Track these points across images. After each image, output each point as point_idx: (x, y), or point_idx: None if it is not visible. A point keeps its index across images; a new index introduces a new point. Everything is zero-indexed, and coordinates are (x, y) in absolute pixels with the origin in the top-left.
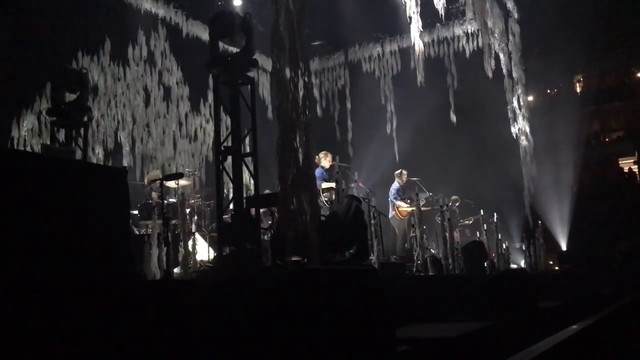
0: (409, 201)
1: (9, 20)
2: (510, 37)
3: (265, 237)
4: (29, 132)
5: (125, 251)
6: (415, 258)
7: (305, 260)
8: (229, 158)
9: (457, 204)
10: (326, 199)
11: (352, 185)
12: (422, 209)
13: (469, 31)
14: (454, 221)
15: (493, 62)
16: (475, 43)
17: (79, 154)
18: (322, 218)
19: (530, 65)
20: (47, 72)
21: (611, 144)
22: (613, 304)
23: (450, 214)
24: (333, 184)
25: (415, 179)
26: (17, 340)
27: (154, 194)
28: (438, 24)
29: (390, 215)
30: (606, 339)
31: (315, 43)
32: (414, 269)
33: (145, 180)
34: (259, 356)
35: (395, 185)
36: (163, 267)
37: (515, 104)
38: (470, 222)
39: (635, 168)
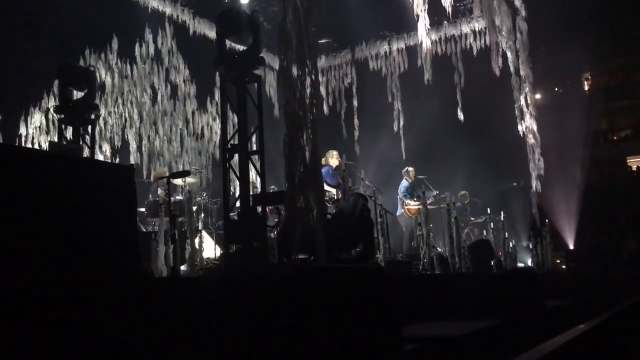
0: (415, 199)
1: (16, 18)
2: (518, 35)
3: (272, 234)
4: (36, 129)
5: (132, 248)
6: (421, 256)
7: (312, 258)
8: (236, 156)
9: (467, 201)
10: (327, 197)
11: (360, 184)
12: (429, 207)
13: (477, 29)
14: (466, 219)
15: (500, 60)
16: (482, 41)
17: (86, 152)
18: (329, 216)
19: (538, 63)
20: (55, 70)
21: (619, 142)
22: (621, 303)
23: (462, 211)
24: (333, 190)
25: (422, 177)
26: (24, 337)
27: (161, 192)
28: (445, 22)
29: (398, 213)
30: (614, 338)
31: (322, 41)
32: (420, 268)
33: (152, 178)
34: (265, 354)
35: (405, 183)
36: (170, 264)
37: (522, 102)
38: (482, 220)
39: None
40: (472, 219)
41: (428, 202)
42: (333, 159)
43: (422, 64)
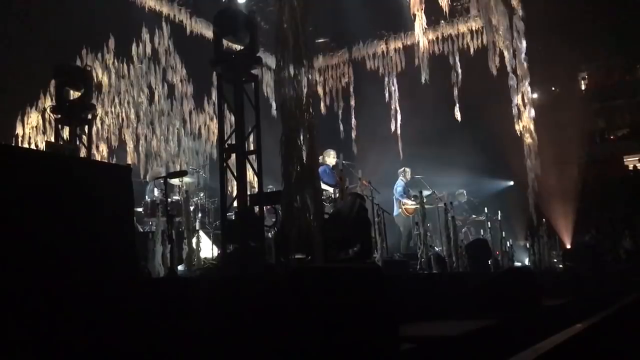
0: (412, 199)
1: (14, 18)
2: (515, 35)
3: (269, 234)
4: (33, 129)
5: (129, 249)
6: (419, 256)
7: (309, 258)
8: (233, 156)
9: (464, 200)
10: (325, 197)
11: (357, 183)
12: (426, 206)
13: (474, 28)
14: (463, 217)
15: (497, 60)
16: (479, 40)
17: (83, 152)
18: (326, 216)
19: (535, 62)
20: (52, 70)
21: (616, 141)
22: (618, 302)
23: (460, 210)
24: (330, 189)
25: (419, 176)
26: (20, 338)
27: (156, 191)
28: (442, 21)
29: (395, 213)
30: (611, 337)
31: (319, 40)
32: (418, 267)
33: (148, 178)
34: (262, 354)
35: (400, 183)
36: (167, 264)
37: (519, 101)
38: (480, 218)
39: None
40: (474, 216)
41: (425, 201)
42: (330, 158)
43: (419, 63)
